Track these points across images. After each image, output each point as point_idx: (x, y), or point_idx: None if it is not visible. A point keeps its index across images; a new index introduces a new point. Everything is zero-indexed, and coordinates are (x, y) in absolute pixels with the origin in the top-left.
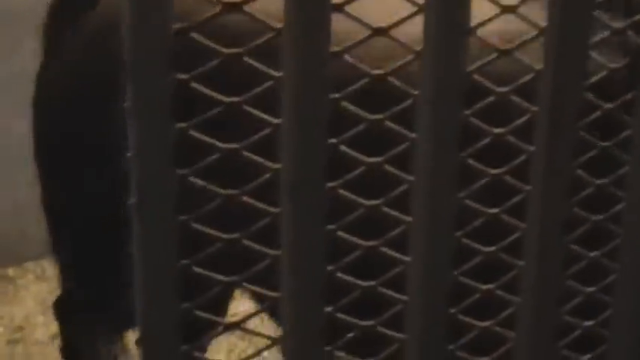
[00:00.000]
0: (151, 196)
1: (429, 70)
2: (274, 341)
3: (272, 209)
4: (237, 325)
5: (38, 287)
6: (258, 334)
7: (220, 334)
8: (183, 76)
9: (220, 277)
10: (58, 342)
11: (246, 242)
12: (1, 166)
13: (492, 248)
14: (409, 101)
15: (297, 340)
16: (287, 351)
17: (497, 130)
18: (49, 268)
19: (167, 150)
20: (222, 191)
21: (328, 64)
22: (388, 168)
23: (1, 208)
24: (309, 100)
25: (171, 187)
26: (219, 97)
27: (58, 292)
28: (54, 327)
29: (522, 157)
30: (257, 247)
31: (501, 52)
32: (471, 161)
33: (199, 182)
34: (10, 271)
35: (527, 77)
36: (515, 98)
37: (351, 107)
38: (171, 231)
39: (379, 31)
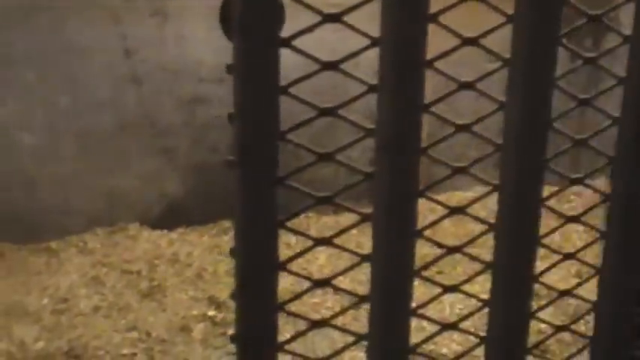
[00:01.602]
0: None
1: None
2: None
3: (366, 169)
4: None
5: (81, 260)
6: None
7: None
8: (284, 37)
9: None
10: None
11: (338, 201)
12: (45, 140)
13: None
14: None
15: (383, 302)
16: (373, 307)
17: (582, 97)
18: (91, 242)
19: (271, 109)
20: (315, 150)
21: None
22: (475, 131)
23: (45, 182)
24: (405, 65)
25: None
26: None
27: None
28: (96, 299)
29: (609, 124)
30: (349, 206)
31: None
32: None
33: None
34: (54, 244)
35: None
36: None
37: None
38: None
39: None
